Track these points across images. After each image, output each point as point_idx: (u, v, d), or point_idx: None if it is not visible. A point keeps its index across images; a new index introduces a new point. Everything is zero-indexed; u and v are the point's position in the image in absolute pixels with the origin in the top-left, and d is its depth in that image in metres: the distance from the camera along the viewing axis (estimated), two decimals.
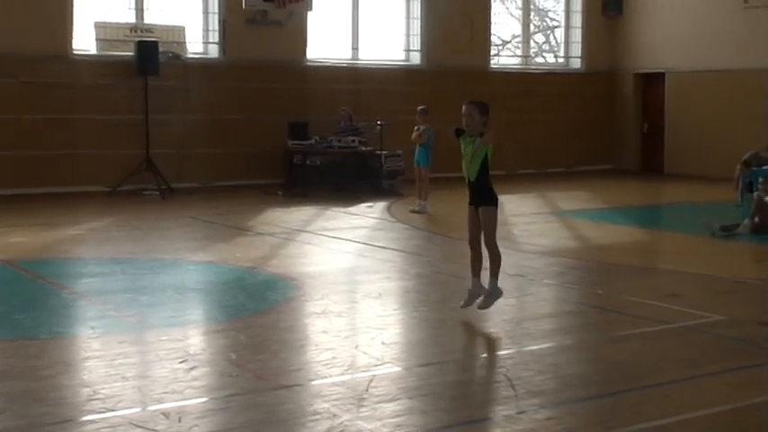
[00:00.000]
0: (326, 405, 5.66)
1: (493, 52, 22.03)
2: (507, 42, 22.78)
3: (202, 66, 18.30)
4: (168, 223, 13.79)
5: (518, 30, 22.73)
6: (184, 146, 17.85)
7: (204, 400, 5.83)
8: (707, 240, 12.55)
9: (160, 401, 5.70)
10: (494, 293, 7.88)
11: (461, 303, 7.94)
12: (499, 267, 7.89)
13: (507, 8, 22.70)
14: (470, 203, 7.93)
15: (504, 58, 22.66)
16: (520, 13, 22.66)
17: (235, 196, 16.99)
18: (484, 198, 7.83)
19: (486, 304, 7.87)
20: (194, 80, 18.02)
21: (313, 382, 6.18)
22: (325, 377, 6.26)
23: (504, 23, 22.56)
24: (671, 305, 8.48)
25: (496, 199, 7.91)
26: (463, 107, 7.85)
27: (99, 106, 17.14)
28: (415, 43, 20.74)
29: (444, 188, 16.18)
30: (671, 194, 19.49)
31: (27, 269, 10.10)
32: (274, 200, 16.71)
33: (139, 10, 17.79)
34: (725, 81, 20.93)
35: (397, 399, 5.80)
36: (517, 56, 22.76)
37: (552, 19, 23.54)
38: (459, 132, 7.89)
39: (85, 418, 5.47)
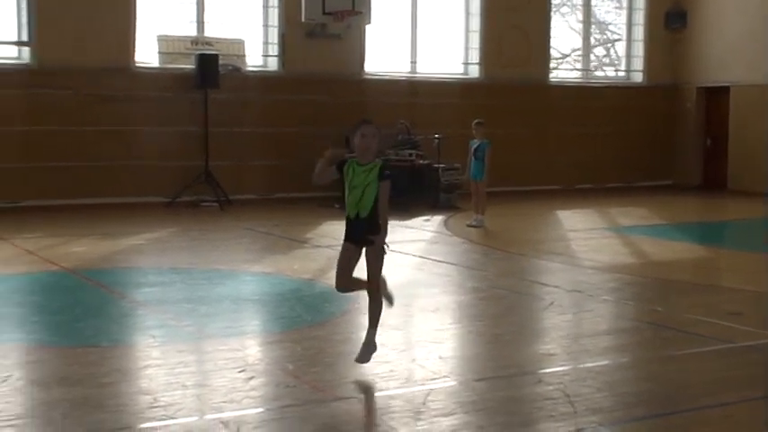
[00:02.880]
0: (384, 418, 5.66)
1: (552, 66, 21.92)
2: (567, 56, 22.65)
3: (261, 78, 18.45)
4: (226, 234, 13.92)
5: (578, 43, 22.58)
6: (243, 158, 18.01)
7: (261, 410, 5.86)
8: None
9: (219, 410, 5.75)
10: (371, 345, 6.65)
11: (356, 357, 6.65)
12: (380, 316, 6.72)
13: (567, 21, 22.57)
14: (350, 240, 6.60)
15: (564, 71, 22.52)
16: (580, 26, 22.51)
17: (291, 208, 17.10)
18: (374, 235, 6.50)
19: (365, 358, 6.60)
20: (253, 93, 18.19)
21: (369, 395, 6.18)
22: (382, 390, 6.26)
23: (563, 37, 22.43)
24: (732, 324, 8.33)
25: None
26: (362, 128, 6.43)
27: (159, 118, 17.38)
28: (474, 56, 20.69)
29: (501, 202, 16.13)
30: (734, 211, 19.16)
31: (88, 278, 10.25)
32: (331, 212, 16.76)
33: (200, 23, 18.00)
34: None
35: (454, 413, 5.78)
36: (577, 69, 22.62)
37: (613, 32, 23.35)
38: (342, 164, 6.53)
39: (145, 426, 5.54)
